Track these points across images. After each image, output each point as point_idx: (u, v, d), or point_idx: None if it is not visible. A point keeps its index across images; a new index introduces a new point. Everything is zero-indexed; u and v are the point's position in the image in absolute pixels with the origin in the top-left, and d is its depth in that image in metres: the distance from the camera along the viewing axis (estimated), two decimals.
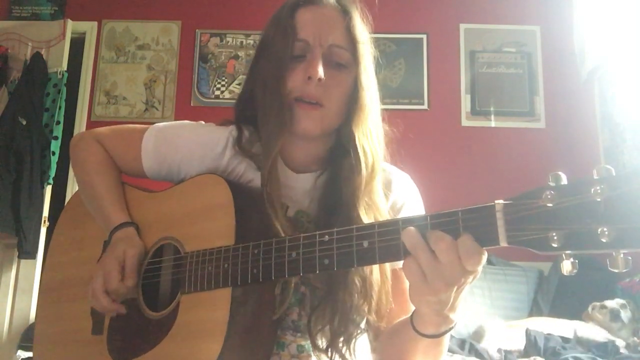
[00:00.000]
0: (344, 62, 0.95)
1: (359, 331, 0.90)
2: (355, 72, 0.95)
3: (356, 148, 0.93)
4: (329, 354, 0.88)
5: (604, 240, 0.54)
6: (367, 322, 0.90)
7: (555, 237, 0.57)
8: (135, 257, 0.96)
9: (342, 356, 0.88)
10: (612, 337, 2.29)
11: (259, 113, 0.98)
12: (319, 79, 0.91)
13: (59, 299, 1.12)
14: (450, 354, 2.13)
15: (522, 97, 3.62)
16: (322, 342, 0.89)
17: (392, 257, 0.70)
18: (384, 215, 0.94)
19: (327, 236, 0.75)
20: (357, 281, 0.87)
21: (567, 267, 0.58)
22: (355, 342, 0.90)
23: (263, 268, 0.81)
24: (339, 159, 0.97)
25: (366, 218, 0.90)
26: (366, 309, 0.88)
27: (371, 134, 0.96)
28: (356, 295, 0.87)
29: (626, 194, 0.54)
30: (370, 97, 0.97)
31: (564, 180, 0.59)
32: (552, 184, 0.59)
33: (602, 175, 0.56)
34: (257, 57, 1.03)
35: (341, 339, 0.88)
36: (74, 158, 1.15)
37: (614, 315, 2.39)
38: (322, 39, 0.93)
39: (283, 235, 0.85)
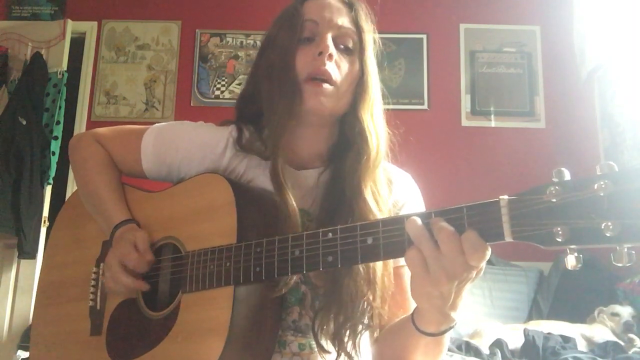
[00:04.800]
0: (351, 47, 0.97)
1: (362, 327, 0.90)
2: (361, 59, 0.97)
3: (364, 131, 0.95)
4: (335, 349, 0.88)
5: (608, 234, 0.55)
6: (371, 308, 0.90)
7: (560, 232, 0.58)
8: (146, 238, 0.96)
9: (348, 354, 0.88)
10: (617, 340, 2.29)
11: (265, 103, 0.98)
12: (330, 55, 0.93)
13: (57, 300, 1.12)
14: (451, 354, 2.13)
15: (522, 97, 3.62)
16: (326, 343, 0.89)
17: (396, 253, 0.70)
18: (386, 202, 0.96)
19: (330, 233, 0.75)
20: (360, 268, 0.87)
21: (571, 261, 0.59)
22: (360, 337, 0.90)
23: (266, 266, 0.81)
24: (342, 154, 0.97)
25: (373, 203, 0.91)
26: (371, 297, 0.88)
27: (376, 120, 0.98)
28: (361, 281, 0.87)
29: (629, 190, 0.55)
30: (375, 83, 0.99)
31: (568, 176, 0.60)
32: (555, 179, 0.60)
33: (605, 171, 0.57)
34: (261, 54, 1.04)
35: (347, 334, 0.88)
36: (73, 158, 1.14)
37: (628, 327, 2.37)
38: (332, 20, 0.96)
39: (297, 218, 0.87)
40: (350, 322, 0.88)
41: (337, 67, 0.94)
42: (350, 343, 0.88)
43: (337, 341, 0.88)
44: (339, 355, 0.88)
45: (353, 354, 0.89)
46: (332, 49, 0.93)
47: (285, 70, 0.94)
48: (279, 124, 0.94)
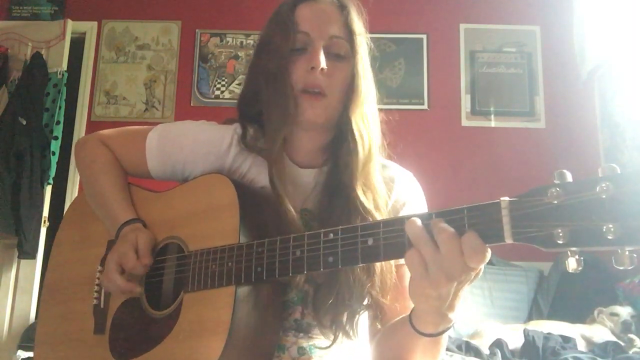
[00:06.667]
0: (343, 53, 0.97)
1: (359, 308, 0.91)
2: (353, 62, 0.98)
3: (353, 132, 0.96)
4: (333, 330, 0.90)
5: (609, 237, 0.55)
6: (370, 297, 0.91)
7: (560, 234, 0.58)
8: (148, 241, 0.97)
9: (346, 333, 0.90)
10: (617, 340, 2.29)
11: (264, 107, 0.99)
12: (322, 69, 0.94)
13: (62, 299, 1.12)
14: (451, 354, 2.13)
15: (522, 97, 3.62)
16: (327, 320, 0.90)
17: (396, 254, 0.71)
18: (382, 197, 0.97)
19: (331, 234, 0.76)
20: None
21: (572, 264, 0.58)
22: (358, 318, 0.91)
23: (267, 266, 0.81)
24: (338, 151, 0.99)
25: (364, 199, 0.92)
26: (370, 285, 0.90)
27: (367, 119, 0.98)
28: (358, 270, 0.89)
29: (631, 192, 0.54)
30: (367, 84, 0.99)
31: (569, 178, 0.59)
32: (557, 181, 0.59)
33: (606, 173, 0.57)
34: (256, 55, 1.04)
35: (345, 316, 0.90)
36: (79, 160, 1.15)
37: (626, 326, 2.37)
38: (323, 31, 0.96)
39: (297, 221, 0.88)
40: (348, 307, 0.89)
41: (329, 79, 0.95)
42: (348, 325, 0.90)
43: (335, 324, 0.89)
44: (336, 336, 0.90)
45: (351, 334, 0.90)
46: (323, 64, 0.94)
47: (280, 80, 0.95)
48: (274, 132, 0.95)
